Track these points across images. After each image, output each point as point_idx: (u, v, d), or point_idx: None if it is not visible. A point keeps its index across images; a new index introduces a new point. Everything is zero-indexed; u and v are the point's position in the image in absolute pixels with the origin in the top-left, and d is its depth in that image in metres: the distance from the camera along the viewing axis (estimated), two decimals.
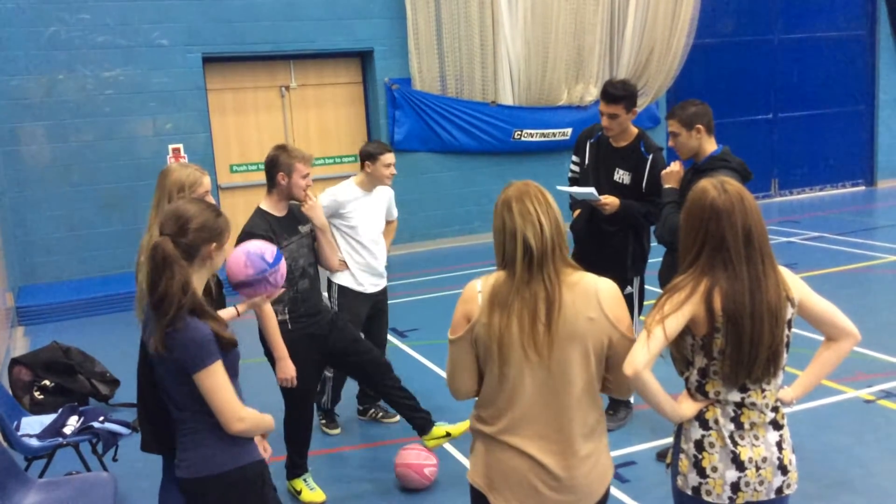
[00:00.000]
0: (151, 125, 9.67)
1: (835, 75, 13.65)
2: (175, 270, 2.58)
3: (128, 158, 9.58)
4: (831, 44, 13.56)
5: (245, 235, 4.06)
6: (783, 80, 13.35)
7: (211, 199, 3.67)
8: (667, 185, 4.29)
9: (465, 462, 4.79)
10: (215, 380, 2.59)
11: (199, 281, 2.72)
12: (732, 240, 2.48)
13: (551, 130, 11.38)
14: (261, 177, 10.43)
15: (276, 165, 4.21)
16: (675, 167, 4.29)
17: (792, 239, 10.37)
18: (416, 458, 4.51)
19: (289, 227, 4.29)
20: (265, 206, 4.28)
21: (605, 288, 2.50)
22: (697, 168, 4.20)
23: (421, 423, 4.57)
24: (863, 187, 14.25)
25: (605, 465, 2.59)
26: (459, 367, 2.57)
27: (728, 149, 4.25)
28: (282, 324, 4.18)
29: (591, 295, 2.46)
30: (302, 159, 4.21)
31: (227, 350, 2.65)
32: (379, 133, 10.68)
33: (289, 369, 4.17)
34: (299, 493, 4.51)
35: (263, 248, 3.23)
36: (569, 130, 11.40)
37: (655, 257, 4.84)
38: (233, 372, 2.71)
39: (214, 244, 2.72)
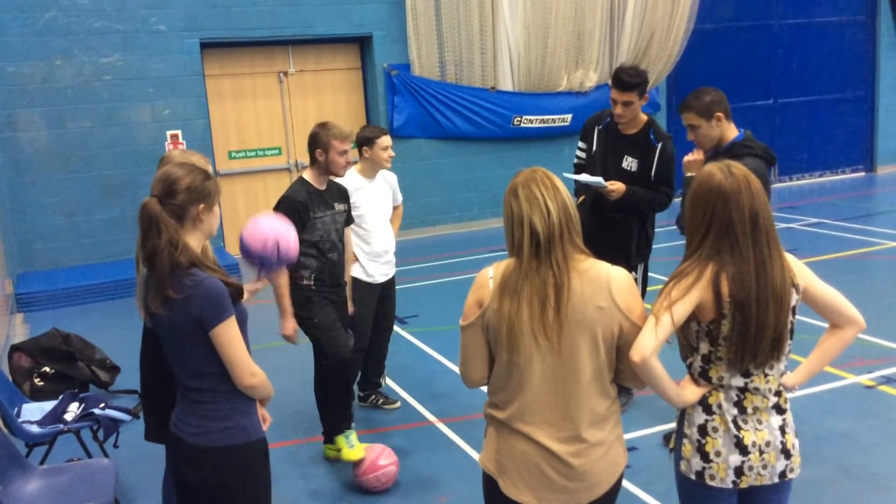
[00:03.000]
0: (149, 111, 9.63)
1: (835, 61, 13.61)
2: (161, 228, 2.62)
3: (126, 145, 9.55)
4: (832, 29, 13.51)
5: (284, 198, 4.40)
6: (783, 66, 13.32)
7: None
8: (688, 174, 4.13)
9: (462, 444, 4.81)
10: (231, 333, 2.64)
11: (194, 242, 2.74)
12: (739, 222, 2.47)
13: (551, 116, 11.34)
14: (259, 163, 10.49)
15: (315, 142, 4.45)
16: (698, 155, 4.11)
17: (792, 225, 10.36)
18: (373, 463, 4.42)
19: (325, 201, 4.51)
20: (307, 176, 4.53)
21: (616, 276, 2.48)
22: (720, 154, 4.03)
23: (335, 430, 4.65)
24: (863, 173, 14.24)
25: (617, 454, 2.58)
26: (471, 353, 2.58)
27: (750, 133, 4.11)
28: (306, 288, 4.45)
29: (602, 283, 2.45)
30: (338, 136, 4.42)
31: (236, 301, 2.70)
32: (378, 119, 10.64)
33: (291, 326, 4.43)
34: (339, 450, 4.52)
35: (287, 241, 3.18)
36: (568, 116, 11.37)
37: (659, 243, 4.83)
38: (243, 329, 2.74)
39: (202, 205, 2.75)
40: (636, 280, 4.99)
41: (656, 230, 5.24)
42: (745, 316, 2.46)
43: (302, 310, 4.48)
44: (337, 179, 5.03)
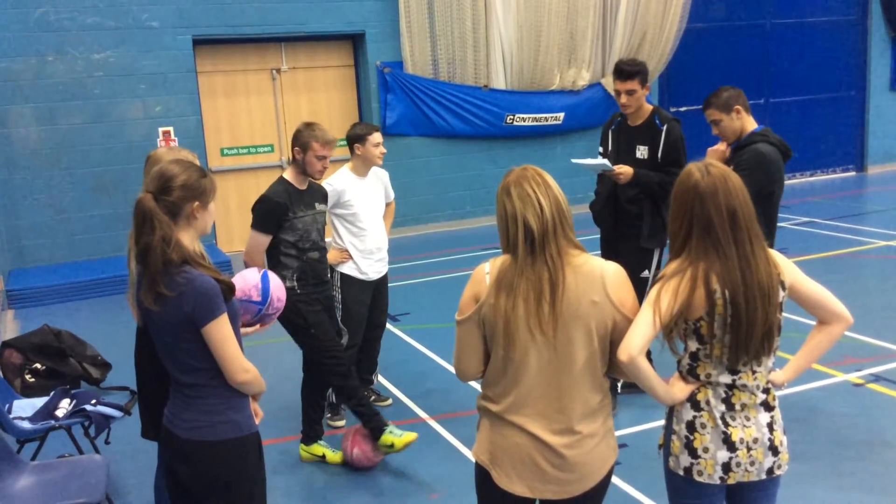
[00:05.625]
0: (142, 108, 9.61)
1: (826, 61, 13.66)
2: (155, 225, 2.62)
3: (118, 141, 9.53)
4: (823, 29, 13.56)
5: (263, 199, 4.39)
6: (775, 66, 13.36)
7: None
8: None
9: (454, 441, 4.82)
10: (223, 331, 2.65)
11: (187, 240, 2.73)
12: (718, 221, 2.49)
13: (543, 115, 11.36)
14: (251, 160, 10.49)
15: (296, 140, 4.43)
16: (720, 146, 4.45)
17: (782, 224, 10.34)
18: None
19: (306, 200, 4.51)
20: (287, 175, 4.51)
21: (610, 271, 2.52)
22: (739, 145, 4.37)
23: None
24: (853, 173, 14.30)
25: (608, 446, 2.61)
26: (466, 347, 2.61)
27: (769, 128, 4.42)
28: (290, 290, 4.31)
29: (596, 278, 2.48)
30: (319, 140, 4.38)
31: (228, 298, 2.70)
32: (371, 117, 10.64)
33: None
34: (322, 456, 4.67)
35: (249, 291, 3.19)
36: (561, 115, 11.39)
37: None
38: (235, 325, 2.75)
39: (197, 203, 2.74)
40: (649, 280, 5.00)
41: None
42: (735, 311, 2.48)
43: (295, 316, 4.47)
44: (331, 179, 5.06)
